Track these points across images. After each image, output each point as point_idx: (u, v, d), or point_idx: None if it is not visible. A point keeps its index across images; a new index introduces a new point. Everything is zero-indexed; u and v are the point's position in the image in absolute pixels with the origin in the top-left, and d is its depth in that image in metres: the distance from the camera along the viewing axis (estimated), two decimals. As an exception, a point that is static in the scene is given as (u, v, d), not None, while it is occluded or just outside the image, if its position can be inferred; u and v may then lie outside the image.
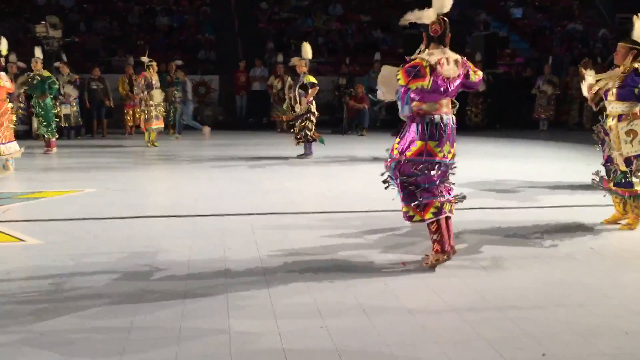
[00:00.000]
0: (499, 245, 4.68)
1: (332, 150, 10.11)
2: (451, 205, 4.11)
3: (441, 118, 3.96)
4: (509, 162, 9.39)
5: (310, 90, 9.12)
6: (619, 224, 5.27)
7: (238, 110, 15.58)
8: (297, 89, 9.26)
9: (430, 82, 3.88)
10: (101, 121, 13.03)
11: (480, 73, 4.17)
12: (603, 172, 5.36)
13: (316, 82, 9.29)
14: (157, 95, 10.98)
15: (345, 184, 7.39)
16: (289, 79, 11.58)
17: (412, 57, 4.01)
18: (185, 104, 12.75)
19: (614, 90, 4.99)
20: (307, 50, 9.25)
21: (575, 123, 14.52)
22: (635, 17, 5.06)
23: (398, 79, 3.93)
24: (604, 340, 3.02)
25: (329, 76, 15.35)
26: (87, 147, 11.24)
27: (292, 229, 5.17)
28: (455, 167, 4.20)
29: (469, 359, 2.82)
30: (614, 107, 5.05)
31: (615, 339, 3.02)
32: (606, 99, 5.11)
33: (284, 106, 11.18)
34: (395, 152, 4.08)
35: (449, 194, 4.12)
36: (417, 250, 4.43)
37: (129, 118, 13.25)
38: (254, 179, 7.72)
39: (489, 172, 8.25)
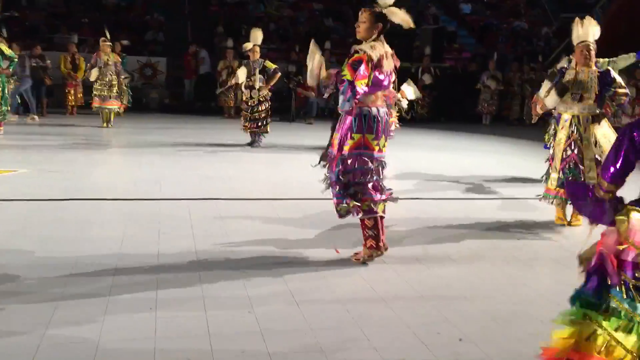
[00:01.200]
0: (433, 237, 4.81)
1: (278, 138, 10.10)
2: (384, 205, 4.09)
3: (378, 111, 3.97)
4: (451, 154, 9.62)
5: (275, 76, 9.08)
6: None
7: (186, 94, 15.36)
8: (255, 74, 9.09)
9: (371, 77, 3.86)
10: (41, 100, 12.59)
11: None
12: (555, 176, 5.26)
13: (277, 67, 9.23)
14: (93, 74, 10.81)
15: (288, 172, 7.42)
16: (237, 64, 11.48)
17: (357, 48, 3.92)
18: (23, 81, 11.70)
19: (593, 93, 5.05)
20: (256, 35, 9.11)
21: (516, 118, 14.97)
22: (576, 20, 5.22)
23: (344, 74, 3.84)
24: (518, 326, 3.17)
25: (279, 63, 15.25)
26: (25, 126, 10.87)
27: (229, 215, 5.16)
28: (385, 162, 4.15)
29: (388, 341, 2.91)
30: (586, 108, 5.13)
31: (529, 324, 3.17)
32: (578, 100, 5.11)
33: (237, 94, 11.04)
34: (335, 147, 4.01)
35: (382, 193, 4.07)
36: (353, 239, 4.50)
37: (70, 98, 12.86)
38: (196, 164, 7.66)
39: (431, 164, 8.44)
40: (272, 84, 9.14)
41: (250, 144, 9.25)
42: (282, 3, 18.44)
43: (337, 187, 4.01)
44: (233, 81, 9.56)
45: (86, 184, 6.21)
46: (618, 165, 2.30)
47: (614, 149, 2.34)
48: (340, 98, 3.92)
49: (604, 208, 2.34)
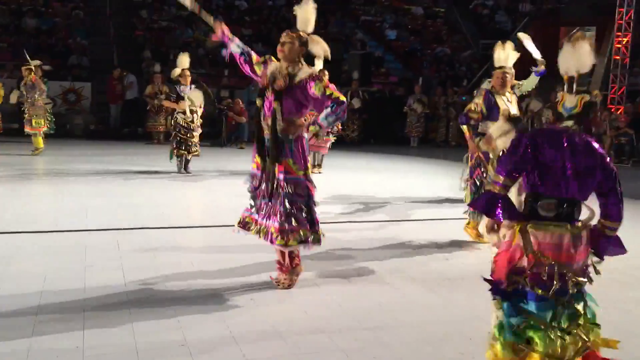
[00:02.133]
0: (365, 259, 4.87)
1: (209, 163, 9.98)
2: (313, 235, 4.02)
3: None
4: (381, 176, 9.81)
5: (202, 103, 9.00)
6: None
7: (112, 120, 14.96)
8: (185, 99, 8.95)
9: None
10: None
11: None
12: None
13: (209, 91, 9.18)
14: (12, 97, 10.56)
15: (220, 198, 7.32)
16: (166, 89, 11.29)
17: (313, 71, 3.95)
18: None
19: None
20: (184, 60, 9.02)
21: (442, 140, 15.47)
22: (498, 44, 5.50)
23: (337, 96, 3.83)
24: (451, 346, 3.24)
25: (209, 89, 15.16)
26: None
27: (159, 244, 5.03)
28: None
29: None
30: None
31: (461, 345, 3.25)
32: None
33: (167, 119, 10.85)
34: (301, 172, 3.96)
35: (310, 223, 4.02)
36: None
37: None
38: (124, 192, 7.43)
39: (362, 186, 8.57)
40: (202, 109, 9.04)
41: (181, 170, 9.07)
42: (211, 28, 18.33)
43: (305, 214, 3.98)
44: (182, 106, 9.24)
45: (4, 216, 5.90)
46: (514, 163, 2.48)
47: (512, 146, 2.51)
48: (332, 119, 3.89)
49: (498, 203, 2.49)
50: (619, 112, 13.98)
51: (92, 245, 4.90)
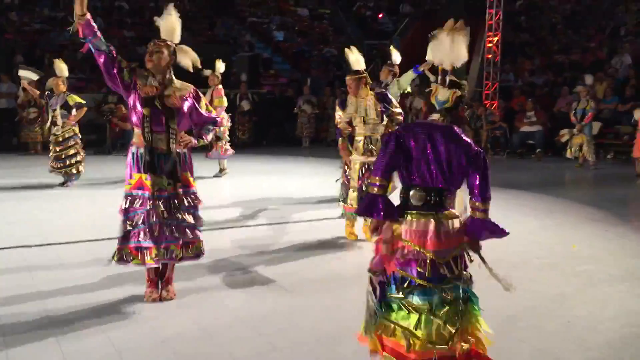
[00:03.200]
0: (258, 263, 4.83)
1: (94, 172, 9.49)
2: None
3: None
4: (274, 178, 9.81)
5: (76, 112, 8.38)
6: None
7: (-18, 130, 13.82)
8: (57, 109, 8.38)
9: None
10: None
11: None
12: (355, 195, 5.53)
13: (83, 102, 8.58)
14: None
15: (106, 209, 6.95)
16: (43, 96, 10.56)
17: (183, 84, 3.89)
18: None
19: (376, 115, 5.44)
20: (61, 68, 8.42)
21: (332, 140, 15.74)
22: (347, 49, 5.67)
23: (213, 108, 4.08)
24: (345, 345, 3.28)
25: (90, 93, 14.43)
26: None
27: (39, 264, 4.70)
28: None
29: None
30: (373, 129, 5.51)
31: (355, 342, 3.30)
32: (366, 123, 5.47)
33: (43, 128, 10.18)
34: (195, 183, 3.97)
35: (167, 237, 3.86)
36: (179, 274, 4.35)
37: None
38: (-3, 209, 6.89)
39: (255, 190, 8.51)
40: (77, 119, 8.49)
41: (62, 183, 8.54)
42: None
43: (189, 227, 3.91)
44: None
45: None
46: (386, 162, 2.57)
47: (383, 145, 2.60)
48: (212, 134, 3.98)
49: (377, 203, 2.57)
50: (493, 107, 14.93)
51: (-41, 270, 4.49)
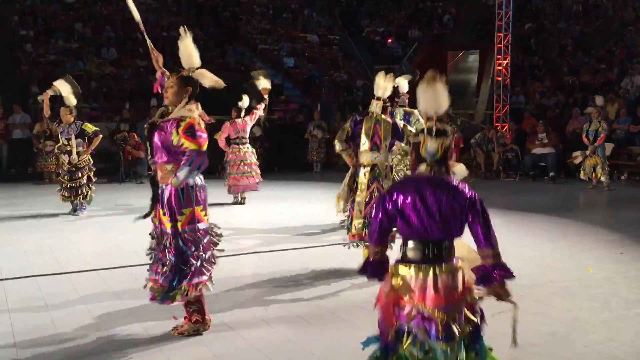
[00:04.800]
0: (273, 291, 4.83)
1: (106, 201, 9.58)
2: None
3: (201, 179, 3.82)
4: (286, 204, 9.83)
5: (96, 139, 8.53)
6: None
7: (-3, 160, 14.06)
8: (71, 138, 8.50)
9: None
10: None
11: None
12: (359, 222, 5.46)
13: (98, 129, 8.71)
14: None
15: (118, 238, 7.02)
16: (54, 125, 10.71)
17: (184, 115, 3.70)
18: None
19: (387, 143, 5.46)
20: (70, 98, 8.57)
21: (344, 164, 15.74)
22: (379, 73, 5.70)
23: (183, 145, 3.62)
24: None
25: (103, 122, 14.65)
26: None
27: (53, 295, 4.72)
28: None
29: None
30: (382, 156, 5.51)
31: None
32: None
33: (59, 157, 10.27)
34: (169, 224, 3.70)
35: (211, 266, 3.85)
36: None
37: None
38: (12, 239, 6.94)
39: (268, 216, 8.54)
40: (92, 147, 8.62)
41: (72, 212, 8.60)
42: (103, 60, 17.79)
43: (172, 268, 3.69)
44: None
45: None
46: (379, 227, 2.58)
47: (375, 207, 2.61)
48: (184, 171, 3.61)
49: (379, 267, 2.60)
50: (504, 130, 14.93)
51: (-26, 300, 4.53)
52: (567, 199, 10.66)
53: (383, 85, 5.53)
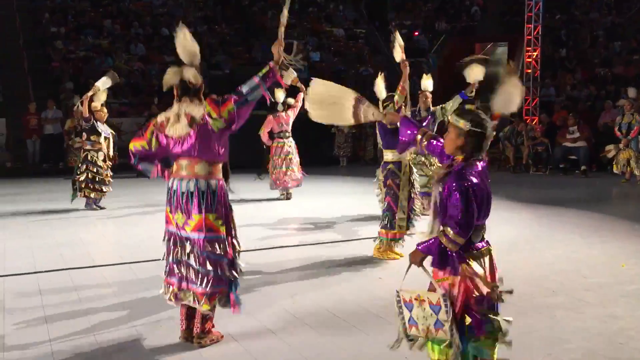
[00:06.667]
0: (299, 288, 4.83)
1: (131, 196, 9.70)
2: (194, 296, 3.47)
3: (172, 182, 3.52)
4: (313, 199, 9.83)
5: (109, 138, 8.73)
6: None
7: (30, 155, 14.34)
8: (109, 136, 8.67)
9: (152, 142, 3.48)
10: None
11: (225, 112, 3.40)
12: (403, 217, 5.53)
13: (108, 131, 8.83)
14: None
15: (146, 232, 7.09)
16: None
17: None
18: None
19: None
20: (99, 94, 8.67)
21: (371, 158, 15.72)
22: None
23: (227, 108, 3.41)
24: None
25: (132, 117, 14.85)
26: None
27: (85, 287, 4.79)
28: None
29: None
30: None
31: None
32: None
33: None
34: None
35: (193, 281, 3.46)
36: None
37: None
38: (45, 232, 7.08)
39: (295, 210, 8.55)
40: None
41: (95, 203, 8.65)
42: (132, 56, 18.00)
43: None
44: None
45: None
46: (471, 222, 2.55)
47: (464, 203, 2.53)
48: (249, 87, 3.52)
49: (454, 259, 2.59)
50: (534, 123, 14.69)
51: (11, 292, 4.62)
52: (599, 193, 10.45)
53: (378, 88, 5.75)
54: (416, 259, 2.65)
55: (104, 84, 8.45)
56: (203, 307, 3.43)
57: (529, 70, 15.47)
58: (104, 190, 8.57)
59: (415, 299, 2.59)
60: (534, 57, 15.51)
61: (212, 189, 3.43)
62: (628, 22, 19.24)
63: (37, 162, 14.26)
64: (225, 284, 3.47)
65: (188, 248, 3.47)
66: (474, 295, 2.55)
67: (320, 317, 4.03)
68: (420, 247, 2.63)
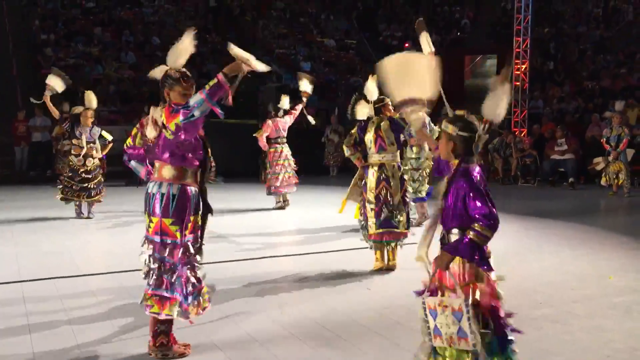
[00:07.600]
0: (289, 297, 4.80)
1: (119, 204, 9.63)
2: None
3: (147, 185, 3.53)
4: (301, 208, 9.80)
5: (107, 146, 8.65)
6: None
7: (18, 163, 14.23)
8: (96, 141, 8.57)
9: (136, 139, 3.71)
10: None
11: (172, 125, 3.31)
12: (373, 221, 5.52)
13: (109, 138, 8.76)
14: None
15: (133, 241, 6.99)
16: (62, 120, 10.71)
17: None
18: None
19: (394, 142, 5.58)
20: (90, 99, 8.65)
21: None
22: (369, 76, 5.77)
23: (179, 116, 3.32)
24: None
25: (122, 125, 14.78)
26: None
27: (71, 297, 4.72)
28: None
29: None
30: (390, 156, 5.58)
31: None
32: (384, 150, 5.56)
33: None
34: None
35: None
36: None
37: None
38: (31, 240, 7.01)
39: (284, 220, 8.52)
40: (104, 153, 8.70)
41: (78, 214, 8.61)
42: (122, 64, 17.96)
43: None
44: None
45: None
46: (489, 199, 2.61)
47: (477, 191, 2.60)
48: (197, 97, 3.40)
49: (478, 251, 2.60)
50: (522, 135, 14.79)
51: (-7, 301, 4.56)
52: (587, 205, 10.52)
53: (370, 89, 5.71)
54: (443, 262, 2.65)
55: (54, 82, 8.45)
56: (150, 311, 3.37)
57: (518, 83, 15.59)
58: (93, 195, 8.47)
59: (439, 305, 2.59)
60: (523, 69, 15.65)
61: (173, 193, 3.38)
62: (616, 36, 19.49)
63: (25, 169, 14.16)
64: (179, 292, 3.40)
65: (150, 250, 3.45)
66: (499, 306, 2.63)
67: (308, 328, 4.00)
68: (446, 249, 2.64)
